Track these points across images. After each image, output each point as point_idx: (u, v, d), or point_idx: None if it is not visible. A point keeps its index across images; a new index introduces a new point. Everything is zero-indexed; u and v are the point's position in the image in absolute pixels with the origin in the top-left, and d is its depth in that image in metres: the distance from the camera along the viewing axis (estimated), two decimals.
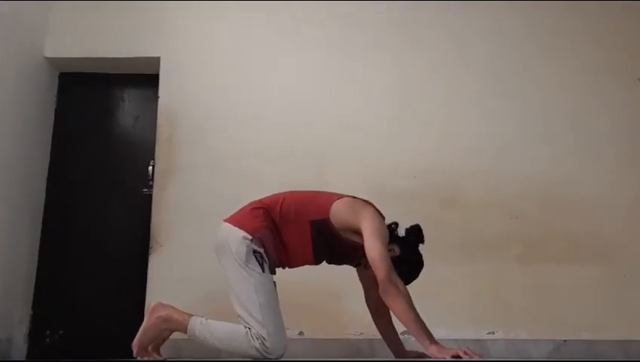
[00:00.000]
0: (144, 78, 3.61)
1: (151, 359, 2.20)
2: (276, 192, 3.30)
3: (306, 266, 3.11)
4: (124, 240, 3.45)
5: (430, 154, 3.35)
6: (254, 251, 2.15)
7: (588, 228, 3.25)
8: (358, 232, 2.16)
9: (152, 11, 3.56)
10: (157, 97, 3.45)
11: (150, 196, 3.34)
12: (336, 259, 2.33)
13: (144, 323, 2.21)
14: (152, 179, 3.36)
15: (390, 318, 2.39)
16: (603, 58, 3.49)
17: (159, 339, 2.31)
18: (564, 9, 3.56)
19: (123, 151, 3.59)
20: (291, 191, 2.33)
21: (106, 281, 3.38)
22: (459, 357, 1.98)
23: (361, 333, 3.08)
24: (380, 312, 2.40)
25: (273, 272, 2.28)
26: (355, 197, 2.28)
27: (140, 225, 3.36)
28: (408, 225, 2.26)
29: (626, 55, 3.48)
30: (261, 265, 2.15)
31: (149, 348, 2.24)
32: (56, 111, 3.62)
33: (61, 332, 3.32)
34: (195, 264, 3.16)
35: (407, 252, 2.22)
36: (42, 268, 3.40)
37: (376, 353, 2.97)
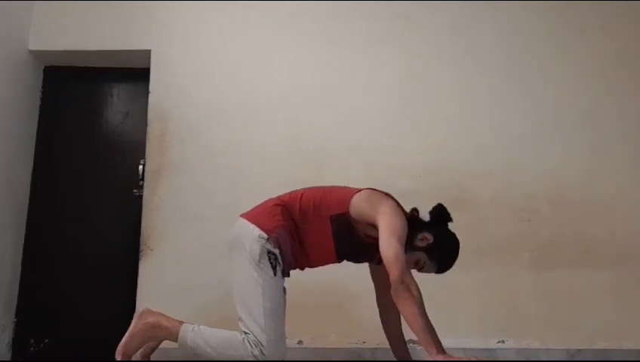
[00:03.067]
0: (134, 72, 3.57)
1: None
2: (274, 193, 3.29)
3: (305, 270, 3.12)
4: (112, 244, 3.40)
5: (437, 152, 3.30)
6: (269, 252, 2.14)
7: (604, 230, 3.20)
8: (376, 227, 2.13)
9: (143, 1, 3.50)
10: (148, 92, 3.39)
11: (140, 197, 3.29)
12: (357, 256, 2.32)
13: (131, 328, 2.15)
14: (143, 180, 3.31)
15: (400, 322, 2.38)
16: (617, 54, 3.44)
17: (148, 349, 2.30)
18: (576, 3, 3.51)
19: (111, 149, 3.53)
20: (309, 187, 2.32)
21: (93, 288, 3.33)
22: None
23: (364, 342, 3.05)
24: (389, 314, 2.38)
25: (287, 275, 2.28)
26: (374, 190, 2.26)
27: (130, 228, 3.33)
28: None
29: None
30: (274, 268, 2.14)
31: (138, 354, 2.23)
32: (41, 107, 3.57)
33: (46, 341, 3.28)
34: (188, 269, 3.13)
35: (440, 236, 2.21)
36: (26, 274, 3.35)
37: None
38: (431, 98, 3.41)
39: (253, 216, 2.24)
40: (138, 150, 3.42)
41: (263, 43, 3.48)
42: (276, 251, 2.16)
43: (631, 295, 3.14)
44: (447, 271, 2.35)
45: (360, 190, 2.24)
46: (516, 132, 3.37)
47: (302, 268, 2.33)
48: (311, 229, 2.21)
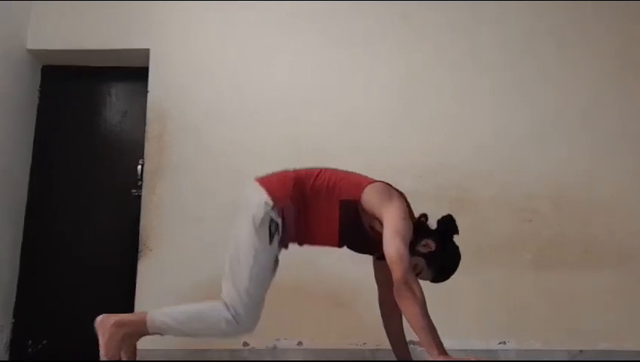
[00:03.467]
0: (133, 71, 3.57)
1: None
2: None
3: (305, 269, 3.11)
4: (111, 245, 3.40)
5: (437, 152, 3.29)
6: (271, 220, 2.15)
7: (604, 230, 3.21)
8: (382, 222, 2.13)
9: (142, 0, 3.50)
10: (146, 92, 3.39)
11: (139, 197, 3.29)
12: (359, 246, 2.31)
13: (101, 340, 2.13)
14: (141, 180, 3.31)
15: (401, 322, 2.38)
16: (618, 54, 3.44)
17: (128, 351, 2.28)
18: (578, 3, 3.50)
19: (110, 149, 3.53)
20: (327, 168, 2.33)
21: (92, 288, 3.32)
22: None
23: (364, 343, 3.05)
24: (391, 313, 2.37)
25: (285, 246, 2.29)
26: (389, 186, 2.25)
27: (129, 229, 3.33)
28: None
29: None
30: (271, 236, 2.16)
31: (121, 358, 2.22)
32: (39, 107, 3.57)
33: (44, 342, 3.29)
34: (187, 270, 3.13)
35: (444, 247, 2.20)
36: (24, 274, 3.34)
37: None
38: (431, 98, 3.40)
39: (265, 182, 2.25)
40: (137, 150, 3.41)
41: (262, 42, 3.47)
42: (279, 220, 2.17)
43: (633, 295, 3.14)
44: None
45: (375, 181, 2.24)
46: (517, 132, 3.36)
47: (301, 244, 2.32)
48: (319, 208, 2.21)
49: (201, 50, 3.45)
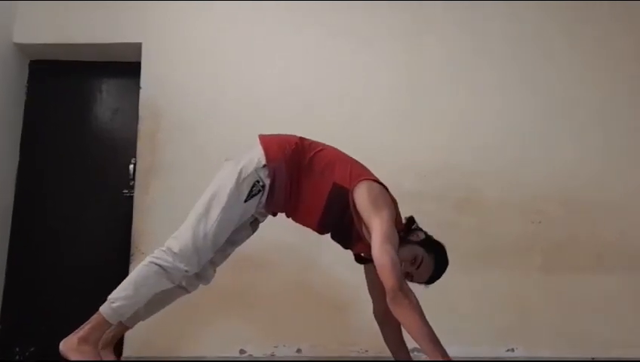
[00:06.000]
0: (124, 67, 3.55)
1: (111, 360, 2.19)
2: None
3: (304, 274, 3.10)
4: (102, 247, 3.38)
5: (442, 151, 3.27)
6: (257, 181, 2.18)
7: (617, 233, 3.18)
8: (364, 224, 2.13)
9: None
10: (138, 88, 3.36)
11: (131, 198, 3.27)
12: (340, 237, 2.31)
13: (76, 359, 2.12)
14: (134, 179, 3.29)
15: (400, 330, 2.36)
16: (632, 48, 3.41)
17: (106, 354, 2.28)
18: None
19: (101, 147, 3.51)
20: (333, 147, 2.34)
21: (82, 292, 3.24)
22: None
23: (366, 350, 3.03)
24: (388, 322, 2.35)
25: (273, 214, 2.32)
26: (386, 191, 2.22)
27: (120, 230, 3.30)
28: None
29: None
30: (249, 195, 2.18)
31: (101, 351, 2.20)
32: (26, 103, 3.55)
33: (32, 349, 3.26)
34: None
35: (432, 241, 2.23)
36: (11, 278, 3.31)
37: None
38: (435, 96, 3.38)
39: (266, 140, 2.27)
40: (128, 148, 3.39)
41: (260, 37, 3.45)
42: (267, 181, 2.18)
43: None
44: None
45: (374, 180, 2.22)
46: (525, 130, 3.34)
47: (287, 215, 2.34)
48: (310, 185, 2.21)
49: (196, 45, 3.42)
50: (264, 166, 2.18)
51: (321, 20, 3.47)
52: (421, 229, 2.25)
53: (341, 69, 3.43)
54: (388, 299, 1.99)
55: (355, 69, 3.43)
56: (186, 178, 3.24)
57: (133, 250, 3.16)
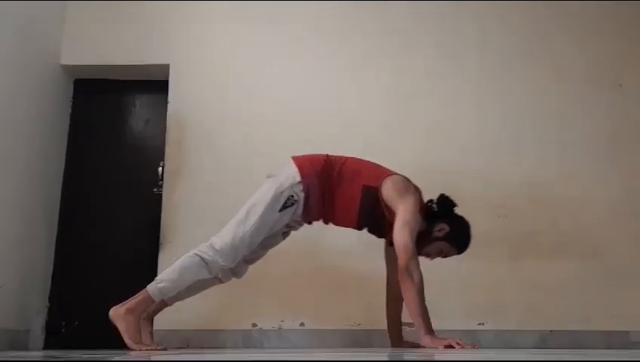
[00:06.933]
0: (154, 84, 3.61)
1: (150, 349, 2.21)
2: None
3: (306, 258, 3.14)
4: (135, 237, 3.45)
5: (425, 154, 3.34)
6: (291, 195, 2.22)
7: (574, 225, 3.24)
8: (393, 212, 2.19)
9: (162, 20, 3.58)
10: (167, 102, 3.46)
11: (160, 195, 3.35)
12: (375, 229, 2.36)
13: (120, 328, 2.22)
14: (162, 180, 3.37)
15: (401, 306, 2.40)
16: (585, 65, 3.49)
17: (144, 328, 2.31)
18: (548, 19, 3.56)
19: (134, 153, 3.59)
20: (353, 157, 2.39)
21: (118, 276, 3.37)
22: (452, 347, 2.00)
23: (359, 324, 3.09)
24: (394, 294, 2.43)
25: (308, 222, 2.37)
26: (407, 180, 2.31)
27: (151, 223, 3.37)
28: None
29: (607, 62, 3.49)
30: (284, 206, 2.23)
31: (142, 338, 2.25)
32: (72, 116, 3.62)
33: (76, 323, 3.33)
34: None
35: (454, 223, 2.31)
36: (59, 264, 3.41)
37: (373, 343, 2.98)
38: (420, 106, 3.47)
39: (299, 160, 2.33)
40: (158, 153, 3.47)
41: (270, 57, 3.55)
42: (301, 195, 2.24)
43: (597, 283, 3.16)
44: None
45: (395, 174, 2.28)
46: (496, 136, 3.42)
47: (326, 222, 2.39)
48: (343, 191, 2.27)
49: (215, 66, 3.52)
50: (299, 182, 2.23)
51: (322, 43, 3.56)
52: (443, 214, 2.31)
53: (339, 84, 3.53)
54: (399, 274, 2.11)
55: (351, 84, 3.52)
56: (207, 179, 3.33)
57: (162, 239, 3.25)
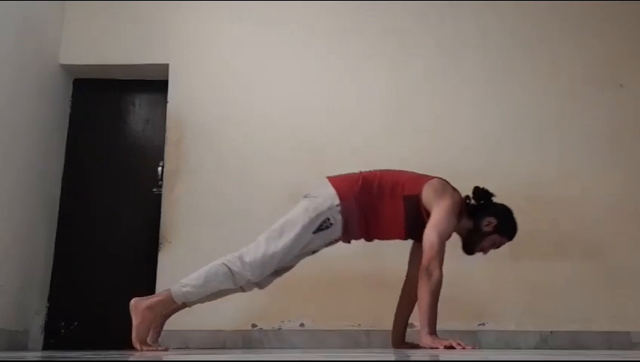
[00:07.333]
0: (154, 84, 3.61)
1: (152, 349, 2.20)
2: (278, 192, 3.31)
3: (308, 264, 3.13)
4: (135, 237, 3.45)
5: (425, 154, 3.31)
6: (327, 218, 2.20)
7: (574, 225, 3.23)
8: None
9: (162, 20, 3.58)
10: (166, 102, 3.46)
11: (159, 195, 3.35)
12: (419, 236, 2.30)
13: (134, 322, 2.20)
14: (162, 180, 3.37)
15: (412, 309, 2.39)
16: (585, 65, 3.49)
17: (155, 327, 2.30)
18: (547, 19, 3.56)
19: (134, 152, 3.59)
20: (386, 169, 2.38)
21: (117, 275, 3.38)
22: (452, 347, 1.99)
23: (359, 324, 3.09)
24: (408, 297, 2.41)
25: (347, 241, 2.34)
26: (445, 182, 2.30)
27: (150, 223, 3.37)
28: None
29: (607, 62, 3.49)
30: (318, 228, 2.20)
31: (148, 339, 2.24)
32: (71, 115, 3.62)
33: (75, 324, 3.33)
34: (201, 259, 3.10)
35: (498, 213, 2.31)
36: (58, 264, 3.41)
37: (374, 343, 2.97)
38: (420, 107, 3.47)
39: (336, 181, 2.30)
40: (157, 153, 3.48)
41: (269, 57, 3.55)
42: (338, 218, 2.21)
43: (598, 283, 3.16)
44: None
45: (433, 178, 2.29)
46: (495, 137, 3.41)
47: (370, 239, 2.36)
48: (386, 205, 2.25)
49: (215, 65, 3.52)
50: (337, 205, 2.21)
51: (321, 43, 3.55)
52: (485, 206, 2.32)
53: (340, 84, 3.53)
54: (419, 271, 2.11)
55: (352, 84, 3.52)
56: (206, 179, 3.33)
57: (161, 239, 3.26)
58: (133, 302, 2.22)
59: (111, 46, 3.53)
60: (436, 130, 3.40)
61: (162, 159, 3.40)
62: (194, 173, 3.33)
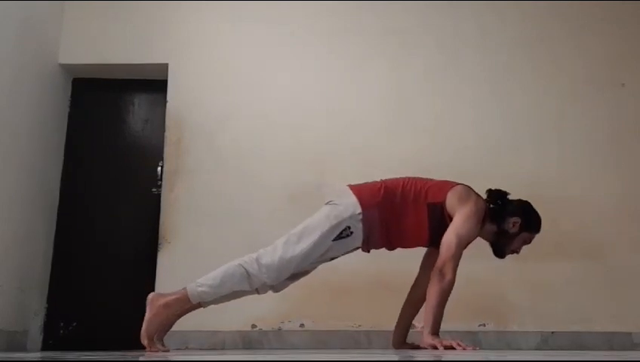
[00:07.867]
0: (153, 84, 3.61)
1: (154, 349, 2.18)
2: (278, 192, 3.29)
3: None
4: (134, 237, 3.45)
5: (425, 154, 3.33)
6: (348, 226, 2.16)
7: (574, 225, 3.23)
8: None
9: (161, 20, 3.57)
10: (165, 102, 3.46)
11: (159, 196, 3.36)
12: (438, 241, 2.25)
13: (147, 315, 2.18)
14: (161, 180, 3.38)
15: (417, 312, 2.38)
16: (585, 65, 3.49)
17: (165, 326, 2.28)
18: (547, 19, 3.56)
19: (133, 152, 3.59)
20: (408, 177, 2.32)
21: (116, 276, 3.38)
22: (452, 348, 1.98)
23: (359, 325, 3.08)
24: (415, 300, 2.38)
25: (367, 250, 2.30)
26: (469, 188, 2.27)
27: (149, 223, 3.36)
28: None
29: (608, 62, 3.48)
30: (338, 236, 2.17)
31: (154, 338, 2.22)
32: (70, 115, 3.61)
33: (74, 324, 3.33)
34: (200, 260, 3.14)
35: (520, 211, 2.27)
36: (57, 264, 3.39)
37: (374, 344, 2.96)
38: (420, 107, 3.47)
39: (358, 189, 2.26)
40: (157, 153, 3.48)
41: (269, 57, 3.55)
42: (359, 227, 2.18)
43: (599, 284, 3.16)
44: None
45: (456, 185, 2.26)
46: (495, 137, 3.41)
47: (392, 248, 2.33)
48: (409, 212, 2.22)
49: (214, 65, 3.52)
50: (359, 213, 2.17)
51: (321, 43, 3.54)
52: (506, 206, 2.29)
53: (340, 84, 3.53)
54: (432, 271, 2.10)
55: (351, 84, 3.52)
56: (206, 179, 3.33)
57: (160, 239, 3.27)
58: (151, 295, 2.21)
59: (110, 46, 3.53)
60: (436, 130, 3.40)
61: (162, 159, 3.39)
62: (193, 173, 3.32)
